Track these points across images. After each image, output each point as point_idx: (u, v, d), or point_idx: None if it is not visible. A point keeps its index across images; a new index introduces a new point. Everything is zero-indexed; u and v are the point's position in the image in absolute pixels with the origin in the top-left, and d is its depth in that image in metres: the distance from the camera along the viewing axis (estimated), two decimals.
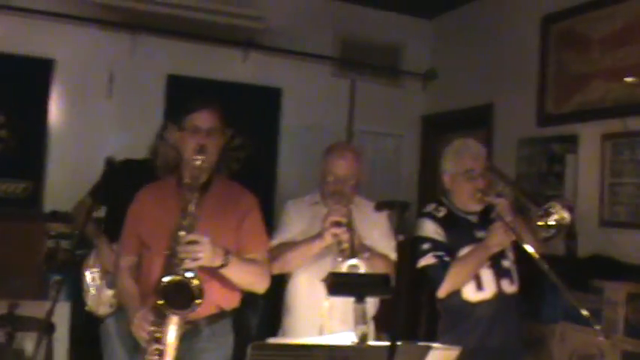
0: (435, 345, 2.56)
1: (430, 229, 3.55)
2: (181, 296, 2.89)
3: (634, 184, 4.54)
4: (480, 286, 3.49)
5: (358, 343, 2.44)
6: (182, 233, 2.97)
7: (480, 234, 3.52)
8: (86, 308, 3.99)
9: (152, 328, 2.96)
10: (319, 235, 3.33)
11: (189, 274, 2.88)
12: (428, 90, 6.78)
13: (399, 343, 2.31)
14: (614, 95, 4.73)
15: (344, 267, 3.12)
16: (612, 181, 4.72)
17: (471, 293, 3.50)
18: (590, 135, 4.91)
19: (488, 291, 3.49)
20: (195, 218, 3.02)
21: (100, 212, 4.20)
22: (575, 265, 4.55)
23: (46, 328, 3.45)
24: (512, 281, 3.55)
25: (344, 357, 2.39)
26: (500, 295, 3.50)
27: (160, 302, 2.88)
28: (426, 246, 3.51)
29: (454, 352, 2.60)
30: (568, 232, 4.61)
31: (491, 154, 5.79)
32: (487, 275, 3.50)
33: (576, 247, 4.62)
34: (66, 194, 5.22)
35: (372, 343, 2.54)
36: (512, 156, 5.59)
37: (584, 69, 5.02)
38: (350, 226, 3.26)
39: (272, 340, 2.50)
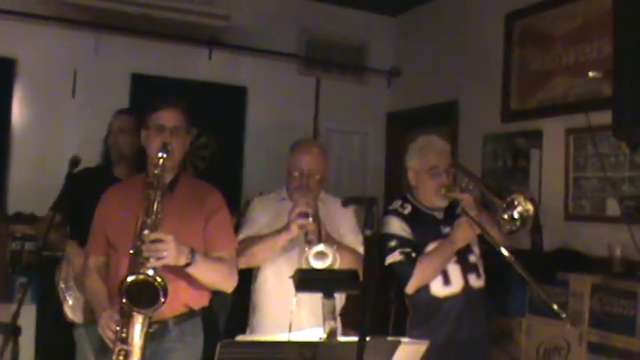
0: (403, 340, 2.57)
1: (396, 226, 3.57)
2: (146, 295, 2.87)
3: (597, 178, 4.60)
4: (447, 281, 3.52)
5: (327, 339, 2.44)
6: (146, 232, 2.95)
7: (445, 230, 3.56)
8: (68, 320, 3.95)
9: (117, 328, 2.94)
10: (286, 227, 3.32)
11: (152, 273, 2.86)
12: (393, 87, 6.80)
13: (368, 338, 2.31)
14: (577, 91, 4.79)
15: (311, 253, 3.12)
16: (576, 175, 4.77)
17: (438, 288, 3.52)
18: (554, 130, 4.96)
19: (456, 286, 3.52)
20: (159, 217, 3.00)
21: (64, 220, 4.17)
22: (541, 258, 4.59)
23: (12, 331, 3.38)
24: (478, 275, 3.59)
25: (313, 353, 2.39)
26: (467, 289, 3.53)
27: (124, 301, 2.86)
28: (392, 243, 3.53)
29: (422, 346, 2.62)
30: (533, 225, 4.66)
31: (457, 150, 5.84)
32: (454, 270, 3.52)
33: (542, 241, 4.66)
34: (30, 195, 5.21)
35: (341, 338, 2.54)
36: (477, 152, 5.63)
37: (547, 65, 5.08)
38: (316, 218, 3.27)
39: (241, 338, 2.50)
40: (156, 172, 3.06)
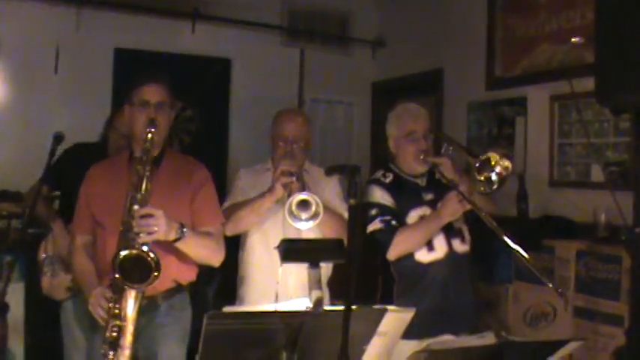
0: (390, 308, 2.59)
1: (377, 194, 3.59)
2: (138, 270, 2.88)
3: (582, 145, 4.61)
4: (430, 248, 3.54)
5: (314, 309, 2.46)
6: (136, 207, 2.95)
7: (427, 196, 3.58)
8: (43, 293, 3.95)
9: (110, 305, 2.95)
10: (270, 189, 3.34)
11: (145, 248, 2.87)
12: (377, 57, 6.78)
13: (354, 307, 2.32)
14: (561, 57, 4.78)
15: (294, 201, 3.14)
16: (561, 142, 4.78)
17: (422, 255, 3.55)
18: (538, 97, 4.96)
19: (440, 251, 3.55)
20: (148, 192, 3.00)
21: (52, 193, 4.16)
22: (527, 225, 4.61)
23: (0, 308, 3.39)
24: (463, 240, 3.62)
25: (300, 323, 2.41)
26: (451, 254, 3.55)
27: (117, 276, 2.86)
28: (373, 211, 3.55)
29: (409, 313, 2.64)
30: (518, 192, 4.69)
31: (442, 118, 5.85)
32: (438, 236, 3.55)
33: (527, 208, 4.68)
34: (15, 173, 5.17)
35: (327, 307, 2.56)
36: (462, 120, 5.63)
37: (531, 32, 5.07)
38: (300, 178, 3.28)
39: (227, 309, 2.50)
40: (145, 146, 3.05)
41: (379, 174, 3.70)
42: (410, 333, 3.04)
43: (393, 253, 3.52)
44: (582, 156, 4.63)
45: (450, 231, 3.57)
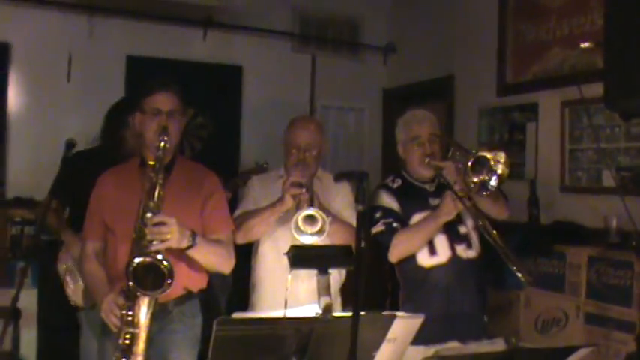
0: (399, 314, 2.59)
1: (384, 199, 3.60)
2: (151, 277, 2.89)
3: (593, 150, 4.60)
4: (433, 251, 3.53)
5: (323, 315, 2.46)
6: (149, 215, 2.96)
7: (434, 202, 3.56)
8: (71, 303, 3.97)
9: (123, 312, 2.95)
10: (280, 199, 3.36)
11: (159, 256, 2.88)
12: (388, 63, 6.79)
13: (362, 313, 2.33)
14: (572, 62, 4.78)
15: (300, 217, 3.15)
16: (572, 148, 4.77)
17: (424, 259, 3.54)
18: (549, 103, 4.96)
19: (442, 256, 3.52)
20: (161, 200, 3.01)
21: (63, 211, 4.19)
22: (538, 231, 4.61)
23: (12, 314, 3.43)
24: (469, 246, 3.57)
25: (309, 329, 2.41)
26: (455, 259, 3.52)
27: (131, 284, 2.88)
28: (377, 215, 3.56)
29: (418, 319, 2.64)
30: (530, 198, 4.69)
31: (453, 124, 5.85)
32: (441, 240, 3.53)
33: (538, 214, 4.68)
34: (28, 180, 5.22)
35: (336, 314, 2.56)
36: (474, 126, 5.63)
37: (542, 37, 5.07)
38: (310, 189, 3.29)
39: (237, 315, 2.52)
40: (158, 154, 3.07)
41: (389, 179, 3.71)
42: (417, 339, 3.06)
43: (393, 254, 3.51)
44: (593, 161, 4.62)
45: (454, 236, 3.55)
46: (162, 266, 2.87)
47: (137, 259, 2.87)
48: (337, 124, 6.62)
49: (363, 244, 2.36)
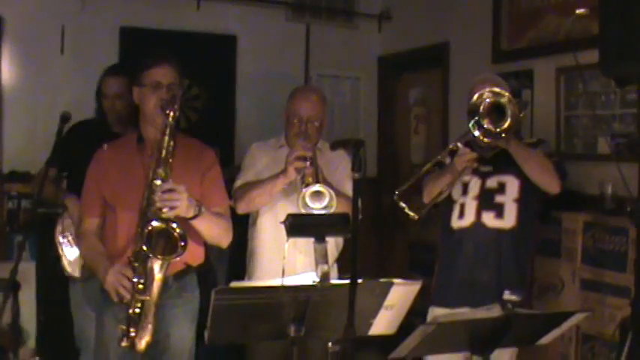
0: (396, 281, 2.61)
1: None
2: (162, 243, 2.94)
3: (588, 116, 4.60)
4: (461, 214, 3.58)
5: (320, 283, 2.48)
6: (158, 182, 2.98)
7: (485, 168, 3.58)
8: (66, 274, 3.98)
9: (135, 280, 2.96)
10: (283, 171, 3.37)
11: (173, 223, 2.91)
12: (383, 31, 6.75)
13: (359, 280, 2.34)
14: (567, 29, 4.75)
15: (307, 193, 3.16)
16: (567, 114, 4.77)
17: (454, 220, 3.61)
18: (544, 70, 4.94)
19: (467, 220, 3.56)
20: (170, 167, 3.02)
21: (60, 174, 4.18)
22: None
23: (11, 286, 3.44)
24: (499, 216, 3.54)
25: (307, 297, 2.43)
26: (478, 225, 3.54)
27: (145, 248, 2.90)
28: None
29: (416, 286, 2.66)
30: None
31: (448, 91, 5.83)
32: (470, 205, 3.57)
33: None
34: (23, 153, 5.22)
35: (333, 281, 2.58)
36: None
37: (537, 4, 5.04)
38: (314, 161, 3.29)
39: (235, 284, 2.53)
40: (168, 122, 3.06)
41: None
42: (441, 301, 3.11)
43: (424, 193, 3.59)
44: (589, 128, 4.62)
45: (486, 203, 3.56)
46: (174, 232, 2.90)
47: (154, 223, 2.89)
48: (332, 93, 6.58)
49: (359, 214, 2.37)
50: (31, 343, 5.07)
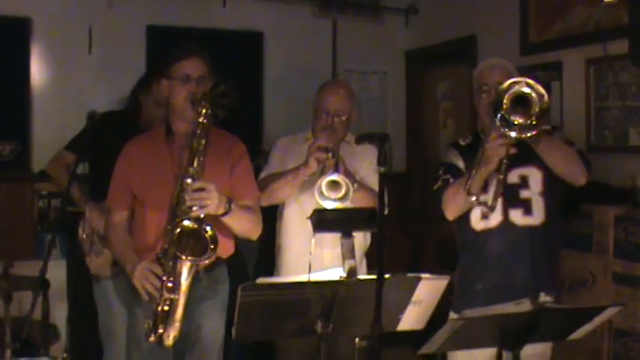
0: (424, 276, 2.59)
1: (450, 155, 3.46)
2: (192, 243, 2.94)
3: (618, 108, 4.54)
4: (485, 214, 3.31)
5: (347, 278, 2.47)
6: (189, 181, 2.98)
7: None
8: (92, 272, 4.00)
9: (164, 278, 2.97)
10: (305, 163, 3.36)
11: (205, 224, 2.91)
12: (410, 25, 6.71)
13: (387, 275, 2.33)
14: (596, 19, 4.70)
15: (324, 182, 3.15)
16: (597, 106, 4.71)
17: (476, 221, 3.34)
18: (573, 61, 4.89)
19: (493, 220, 3.30)
20: (201, 166, 3.02)
21: (82, 168, 4.19)
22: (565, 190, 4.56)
23: (40, 284, 3.46)
24: (527, 212, 3.31)
25: (333, 293, 2.42)
26: (506, 225, 3.30)
27: (174, 248, 2.91)
28: (439, 171, 3.41)
29: (443, 281, 2.64)
30: None
31: None
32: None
33: None
34: (52, 153, 5.23)
35: (360, 277, 2.57)
36: None
37: None
38: (336, 154, 3.27)
39: (261, 280, 2.52)
40: (200, 120, 3.06)
41: (462, 137, 3.54)
42: (467, 307, 3.00)
43: (446, 211, 3.32)
44: (619, 119, 4.55)
45: (512, 200, 3.30)
46: (205, 233, 2.89)
47: (186, 222, 2.89)
48: (360, 88, 6.53)
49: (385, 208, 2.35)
50: (63, 339, 5.11)
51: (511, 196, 3.29)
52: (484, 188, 3.23)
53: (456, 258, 3.53)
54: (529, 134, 2.99)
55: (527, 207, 3.31)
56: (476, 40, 5.87)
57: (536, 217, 3.31)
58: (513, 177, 3.30)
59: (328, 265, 3.10)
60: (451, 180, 3.33)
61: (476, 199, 3.18)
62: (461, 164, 3.39)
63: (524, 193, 3.32)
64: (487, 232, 3.32)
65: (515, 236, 3.30)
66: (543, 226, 3.32)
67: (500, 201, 3.24)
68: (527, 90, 2.99)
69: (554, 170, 3.23)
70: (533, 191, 3.32)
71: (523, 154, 3.18)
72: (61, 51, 5.59)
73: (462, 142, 3.50)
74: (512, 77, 3.11)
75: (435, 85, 6.64)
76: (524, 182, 3.32)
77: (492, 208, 3.21)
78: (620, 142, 4.54)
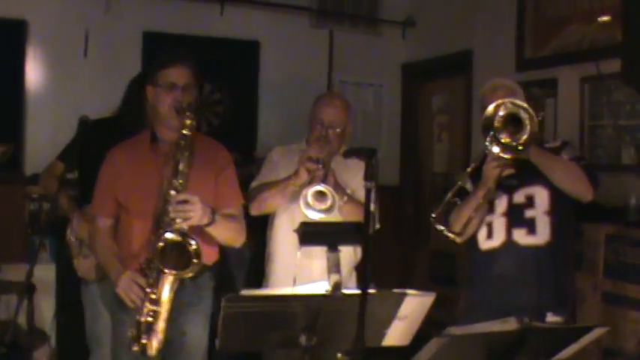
0: (409, 292, 2.57)
1: (460, 180, 3.43)
2: (175, 255, 2.92)
3: (612, 127, 4.54)
4: (490, 235, 3.34)
5: (332, 292, 2.45)
6: (173, 192, 2.97)
7: (507, 182, 3.33)
8: (79, 275, 3.98)
9: (147, 290, 2.97)
10: (295, 173, 3.35)
11: (189, 237, 2.89)
12: (407, 38, 6.71)
13: (372, 291, 2.31)
14: (591, 38, 4.70)
15: (309, 192, 3.14)
16: (591, 124, 4.71)
17: (482, 241, 3.37)
18: (568, 79, 4.89)
19: (496, 240, 3.32)
20: (185, 177, 3.01)
21: (72, 174, 4.18)
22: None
23: (26, 289, 3.45)
24: (531, 232, 3.31)
25: (318, 306, 2.41)
26: (509, 245, 3.31)
27: (157, 261, 2.90)
28: (448, 195, 3.39)
29: (430, 298, 2.62)
30: None
31: (471, 100, 5.78)
32: (499, 223, 3.34)
33: None
34: (46, 156, 5.16)
35: (345, 291, 2.55)
36: None
37: (562, 12, 4.99)
38: (326, 165, 3.27)
39: (245, 292, 2.51)
40: (184, 132, 3.03)
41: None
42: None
43: (454, 226, 3.34)
44: (613, 138, 4.55)
45: (515, 219, 3.31)
46: (189, 246, 2.88)
47: (169, 235, 2.88)
48: (355, 100, 6.51)
49: (376, 223, 2.34)
50: (52, 343, 5.09)
51: (515, 216, 3.31)
52: (490, 209, 3.31)
53: (457, 274, 3.55)
54: (509, 155, 3.07)
55: (531, 226, 3.32)
56: (472, 55, 5.88)
57: (541, 237, 3.31)
58: (519, 197, 3.33)
59: (317, 276, 3.09)
60: (458, 202, 3.37)
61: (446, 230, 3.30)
62: (469, 186, 3.41)
63: (528, 213, 3.33)
64: (491, 252, 3.35)
65: (520, 256, 3.32)
66: (549, 246, 3.32)
67: (503, 221, 3.30)
68: (515, 109, 3.05)
69: (559, 187, 3.24)
70: (539, 210, 3.32)
71: (529, 173, 3.23)
72: (57, 54, 5.59)
73: (468, 169, 3.45)
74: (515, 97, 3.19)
75: (430, 99, 6.64)
76: (529, 202, 3.33)
77: (459, 235, 3.30)
78: (613, 161, 4.54)
